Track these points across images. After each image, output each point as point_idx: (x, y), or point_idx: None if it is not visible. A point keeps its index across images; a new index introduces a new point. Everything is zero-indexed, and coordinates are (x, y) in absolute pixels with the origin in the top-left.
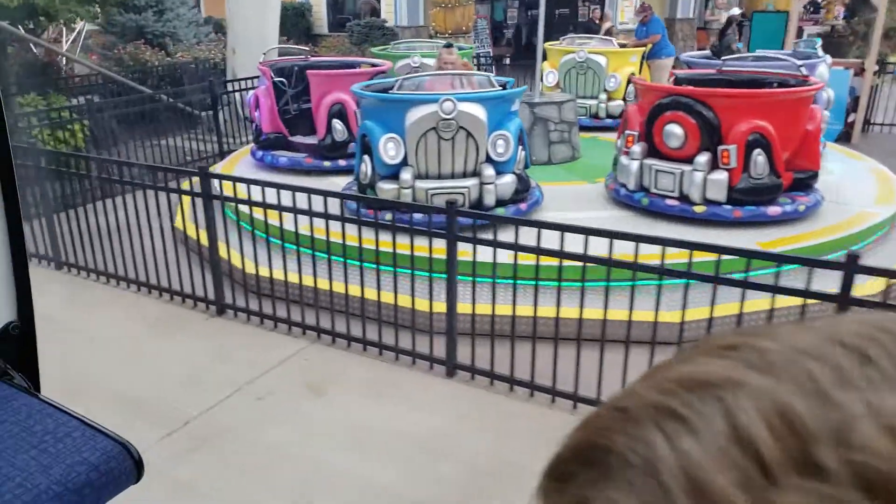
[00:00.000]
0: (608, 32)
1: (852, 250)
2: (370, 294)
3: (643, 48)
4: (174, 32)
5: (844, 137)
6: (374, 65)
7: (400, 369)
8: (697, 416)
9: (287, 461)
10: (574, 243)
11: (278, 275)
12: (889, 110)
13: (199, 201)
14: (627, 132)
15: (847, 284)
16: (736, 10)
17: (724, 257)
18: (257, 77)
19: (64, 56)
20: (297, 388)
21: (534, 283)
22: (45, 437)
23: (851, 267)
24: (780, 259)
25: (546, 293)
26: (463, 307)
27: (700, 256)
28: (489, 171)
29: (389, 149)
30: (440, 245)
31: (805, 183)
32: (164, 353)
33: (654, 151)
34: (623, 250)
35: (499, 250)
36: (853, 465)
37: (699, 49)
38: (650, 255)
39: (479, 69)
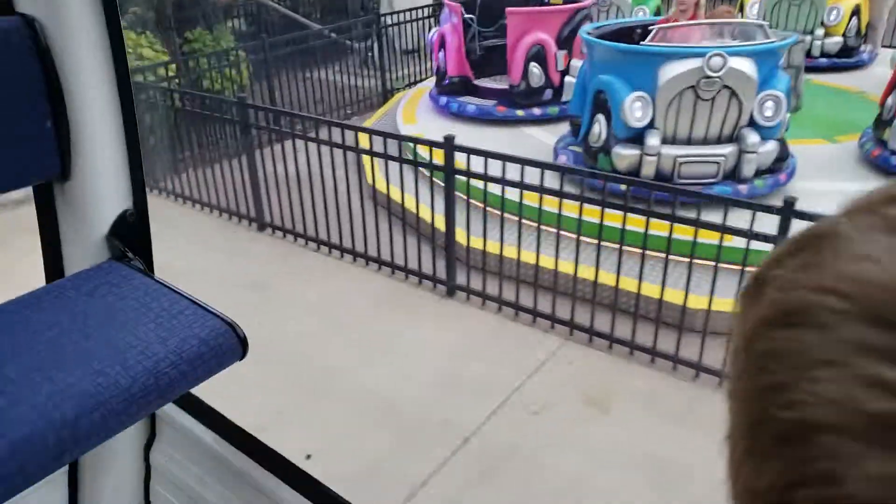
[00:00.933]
0: None
1: None
2: (628, 285)
3: None
4: None
5: None
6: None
7: (688, 386)
8: None
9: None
10: None
11: (510, 253)
12: None
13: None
14: None
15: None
16: None
17: None
18: (417, 8)
19: None
20: (574, 402)
21: None
22: (160, 314)
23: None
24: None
25: None
26: None
27: None
28: (753, 137)
29: (636, 109)
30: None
31: None
32: (400, 338)
33: None
34: None
35: None
36: None
37: None
38: None
39: None
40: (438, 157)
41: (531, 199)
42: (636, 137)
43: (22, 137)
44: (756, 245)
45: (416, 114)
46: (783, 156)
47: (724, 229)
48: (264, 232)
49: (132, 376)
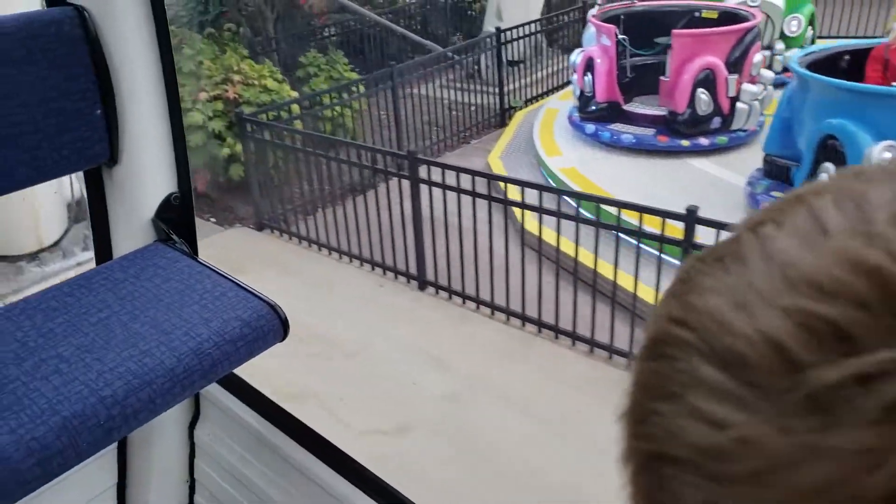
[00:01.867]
0: None
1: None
2: None
3: None
4: None
5: None
6: (737, 17)
7: None
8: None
9: None
10: None
11: None
12: None
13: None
14: None
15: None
16: None
17: None
18: (531, 23)
19: None
20: None
21: None
22: (204, 295)
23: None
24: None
25: None
26: None
27: None
28: None
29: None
30: None
31: None
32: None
33: None
34: None
35: None
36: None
37: None
38: None
39: None
40: (652, 223)
41: None
42: None
43: (73, 124)
44: None
45: (556, 142)
46: None
47: None
48: (425, 291)
49: (177, 357)
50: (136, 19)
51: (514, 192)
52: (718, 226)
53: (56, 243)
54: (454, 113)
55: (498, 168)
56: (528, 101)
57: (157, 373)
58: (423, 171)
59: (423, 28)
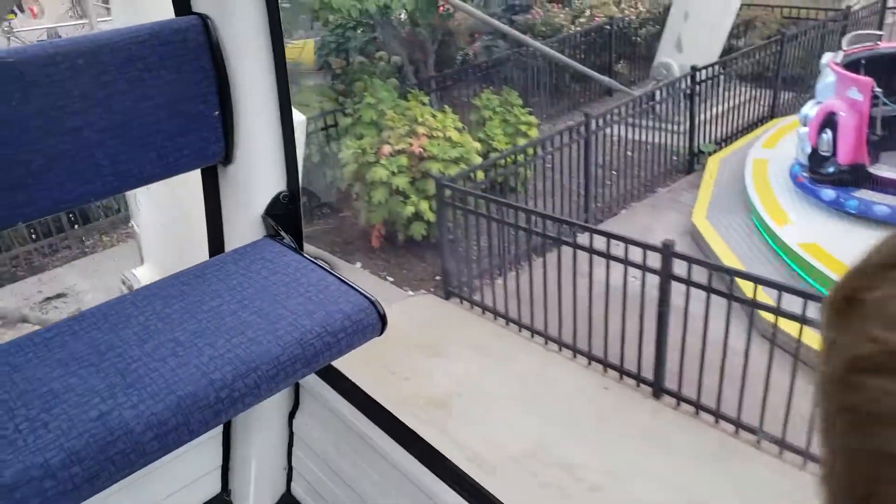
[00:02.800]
0: None
1: None
2: None
3: None
4: None
5: None
6: None
7: None
8: None
9: None
10: None
11: None
12: None
13: None
14: None
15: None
16: None
17: None
18: (730, 59)
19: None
20: None
21: None
22: (309, 288)
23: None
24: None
25: None
26: None
27: None
28: None
29: None
30: None
31: None
32: None
33: None
34: None
35: None
36: None
37: None
38: None
39: None
40: None
41: None
42: None
43: (194, 125)
44: None
45: (780, 205)
46: None
47: None
48: (661, 400)
49: (282, 345)
50: (254, 27)
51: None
52: None
53: None
54: (631, 154)
55: (708, 231)
56: (719, 144)
57: (262, 359)
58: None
59: (585, 57)
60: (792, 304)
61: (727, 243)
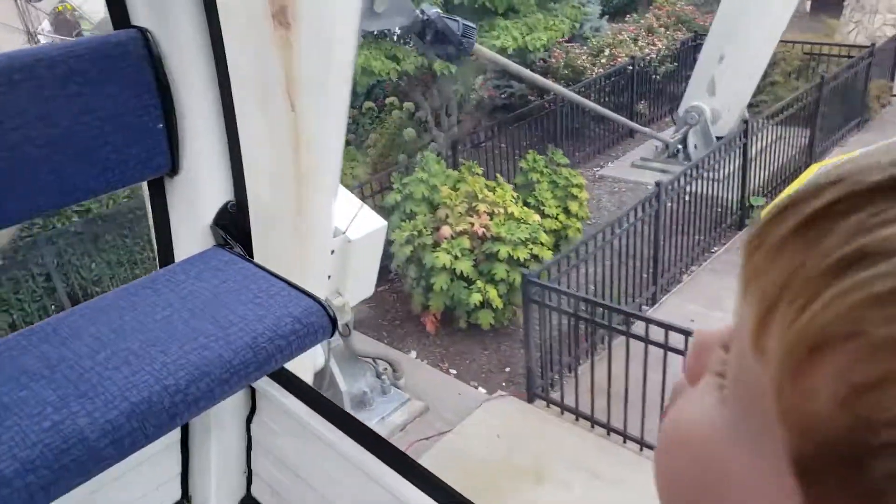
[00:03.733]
0: None
1: None
2: None
3: None
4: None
5: None
6: None
7: None
8: None
9: None
10: None
11: None
12: None
13: None
14: None
15: None
16: None
17: None
18: (788, 107)
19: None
20: None
21: None
22: (259, 294)
23: None
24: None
25: None
26: None
27: None
28: None
29: None
30: None
31: None
32: None
33: None
34: None
35: None
36: None
37: None
38: None
39: None
40: None
41: None
42: None
43: (138, 137)
44: None
45: None
46: None
47: None
48: None
49: (234, 350)
50: (193, 38)
51: None
52: None
53: None
54: (687, 211)
55: None
56: (766, 195)
57: (215, 364)
58: None
59: (609, 99)
60: None
61: None
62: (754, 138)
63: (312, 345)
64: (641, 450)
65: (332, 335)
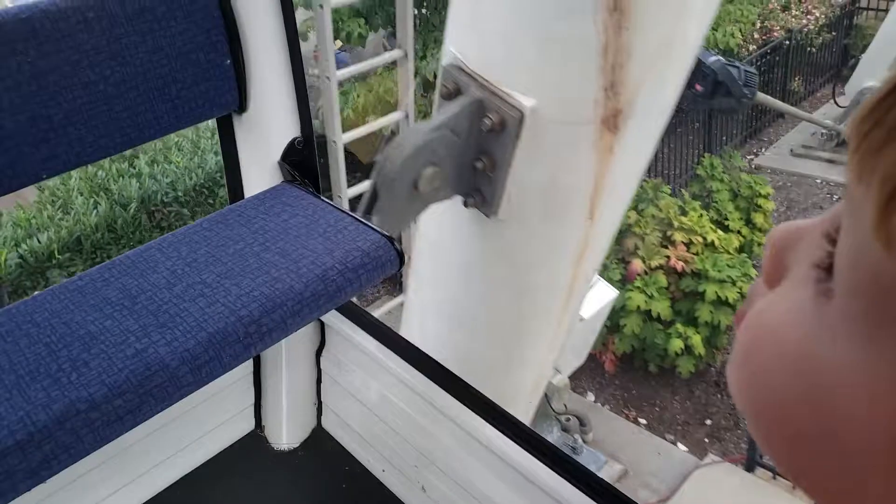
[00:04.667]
0: None
1: None
2: None
3: None
4: None
5: None
6: None
7: None
8: None
9: None
10: None
11: None
12: None
13: None
14: None
15: None
16: None
17: None
18: None
19: None
20: None
21: None
22: (327, 229)
23: None
24: None
25: None
26: None
27: None
28: None
29: None
30: None
31: None
32: None
33: None
34: None
35: None
36: None
37: None
38: None
39: None
40: None
41: None
42: None
43: (207, 75)
44: None
45: None
46: None
47: None
48: None
49: (304, 282)
50: None
51: None
52: None
53: None
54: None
55: None
56: None
57: (287, 296)
58: None
59: (760, 78)
60: None
61: None
62: None
63: (380, 277)
64: None
65: (399, 269)
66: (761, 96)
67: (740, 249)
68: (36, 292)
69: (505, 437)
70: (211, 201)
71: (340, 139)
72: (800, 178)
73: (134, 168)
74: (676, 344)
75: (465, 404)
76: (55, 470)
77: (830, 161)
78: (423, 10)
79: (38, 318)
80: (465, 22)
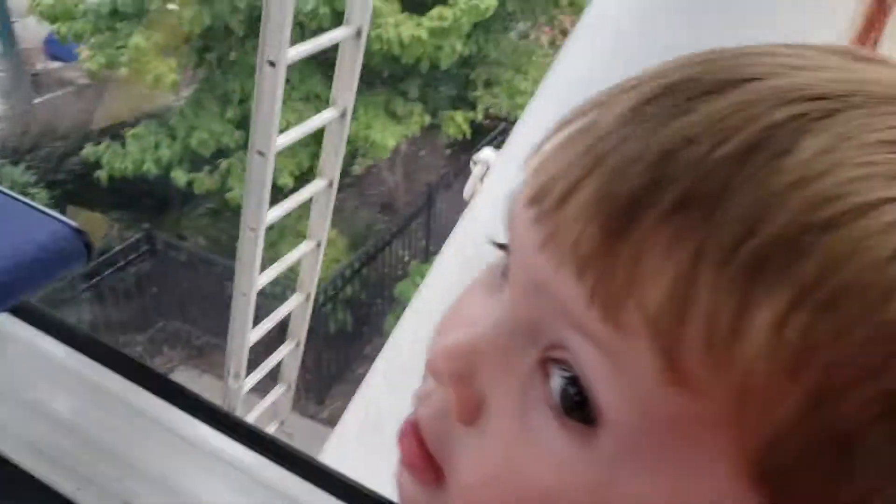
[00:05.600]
0: None
1: None
2: None
3: None
4: None
5: None
6: None
7: None
8: None
9: None
10: None
11: None
12: None
13: None
14: None
15: None
16: None
17: None
18: None
19: None
20: None
21: None
22: None
23: None
24: None
25: None
26: None
27: None
28: None
29: None
30: None
31: None
32: None
33: None
34: None
35: None
36: None
37: None
38: None
39: None
40: None
41: None
42: None
43: None
44: None
45: None
46: None
47: None
48: None
49: None
50: None
51: None
52: None
53: None
54: None
55: None
56: None
57: None
58: None
59: None
60: None
61: None
62: None
63: (62, 274)
64: None
65: (88, 262)
66: None
67: None
68: None
69: (222, 435)
70: None
71: (272, 148)
72: None
73: None
74: None
75: (174, 404)
76: None
77: None
78: None
79: None
80: None
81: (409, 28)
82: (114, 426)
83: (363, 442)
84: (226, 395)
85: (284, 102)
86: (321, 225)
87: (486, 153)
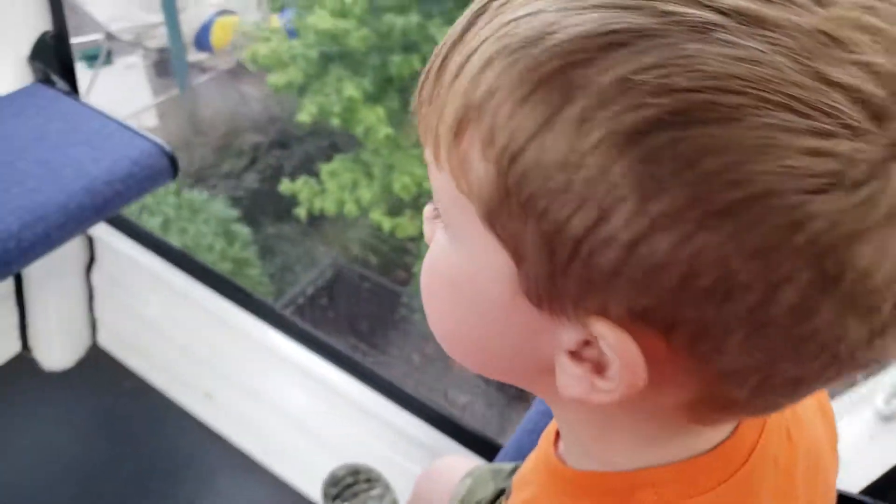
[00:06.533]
0: None
1: None
2: None
3: None
4: None
5: None
6: None
7: None
8: None
9: None
10: None
11: None
12: None
13: None
14: None
15: None
16: None
17: None
18: None
19: None
20: None
21: None
22: (91, 136)
23: None
24: None
25: None
26: None
27: None
28: None
29: None
30: None
31: None
32: None
33: None
34: None
35: None
36: None
37: None
38: None
39: None
40: None
41: None
42: None
43: None
44: None
45: None
46: None
47: None
48: None
49: (68, 194)
50: None
51: None
52: None
53: None
54: None
55: None
56: None
57: (48, 209)
58: None
59: None
60: None
61: None
62: None
63: (153, 188)
64: None
65: (174, 177)
66: None
67: None
68: None
69: (296, 344)
70: None
71: None
72: None
73: None
74: None
75: (249, 311)
76: None
77: None
78: None
79: None
80: None
81: None
82: (198, 329)
83: None
84: None
85: None
86: None
87: None
